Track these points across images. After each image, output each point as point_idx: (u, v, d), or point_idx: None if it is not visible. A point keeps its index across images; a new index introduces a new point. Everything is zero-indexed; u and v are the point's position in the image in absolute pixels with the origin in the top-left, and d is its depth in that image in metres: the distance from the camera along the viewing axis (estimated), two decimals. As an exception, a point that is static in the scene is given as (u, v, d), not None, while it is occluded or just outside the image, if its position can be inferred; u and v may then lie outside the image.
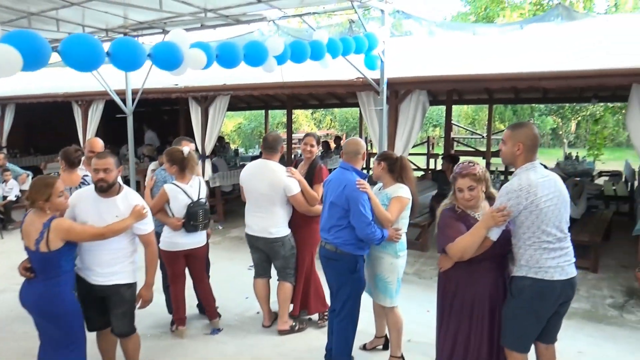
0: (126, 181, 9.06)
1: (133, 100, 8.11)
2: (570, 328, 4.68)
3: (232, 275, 6.03)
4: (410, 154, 14.37)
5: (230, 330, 4.65)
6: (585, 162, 11.42)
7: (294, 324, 4.53)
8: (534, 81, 5.45)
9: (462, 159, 12.99)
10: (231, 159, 11.37)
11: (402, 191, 3.68)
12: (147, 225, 3.35)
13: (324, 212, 3.78)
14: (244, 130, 24.32)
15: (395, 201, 3.64)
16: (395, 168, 3.76)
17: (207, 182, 8.77)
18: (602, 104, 14.73)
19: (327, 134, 21.40)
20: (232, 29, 7.79)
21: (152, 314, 4.71)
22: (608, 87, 8.61)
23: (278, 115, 23.15)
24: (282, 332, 4.47)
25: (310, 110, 23.46)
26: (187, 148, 4.22)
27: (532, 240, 2.86)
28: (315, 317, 4.76)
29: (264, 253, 4.47)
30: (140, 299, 3.46)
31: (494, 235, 2.88)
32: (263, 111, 16.46)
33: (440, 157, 12.37)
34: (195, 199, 4.21)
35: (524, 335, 3.00)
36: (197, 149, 8.38)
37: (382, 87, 6.23)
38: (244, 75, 8.04)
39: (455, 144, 14.23)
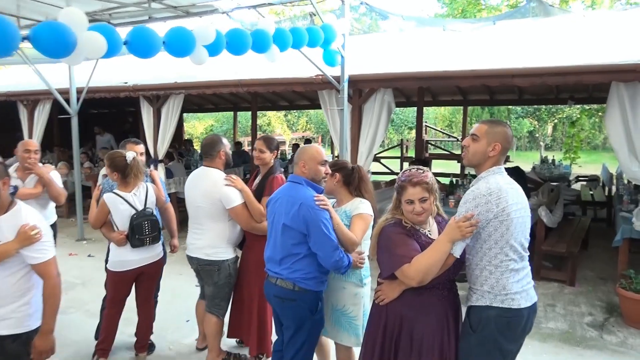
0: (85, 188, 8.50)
1: (78, 100, 7.51)
2: (546, 354, 4.20)
3: (177, 293, 5.41)
4: (383, 158, 14.06)
5: (160, 362, 4.05)
6: (561, 166, 11.08)
7: (225, 357, 3.90)
8: (506, 78, 4.97)
9: (434, 162, 12.49)
10: (196, 162, 10.70)
11: (364, 207, 3.08)
12: (41, 253, 2.56)
13: (270, 239, 3.01)
14: (215, 133, 23.59)
15: (357, 220, 3.03)
16: (353, 180, 3.17)
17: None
18: (578, 106, 14.46)
19: (303, 137, 20.75)
20: (185, 22, 7.17)
21: (76, 343, 4.19)
22: (586, 86, 8.23)
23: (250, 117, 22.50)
24: None
25: (284, 112, 22.84)
26: (131, 153, 3.61)
27: (499, 259, 2.37)
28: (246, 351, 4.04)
29: None
30: (35, 351, 2.63)
31: (458, 251, 2.36)
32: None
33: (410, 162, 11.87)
34: (139, 209, 3.62)
35: None
36: (148, 153, 7.77)
37: (343, 85, 5.70)
38: (199, 73, 7.48)
39: (429, 147, 13.80)
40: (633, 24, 6.57)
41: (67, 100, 7.50)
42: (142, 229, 3.58)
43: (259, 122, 22.08)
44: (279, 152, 3.88)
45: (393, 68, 5.79)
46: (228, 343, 4.15)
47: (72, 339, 4.29)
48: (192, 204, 3.69)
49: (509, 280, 2.37)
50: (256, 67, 6.80)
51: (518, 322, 2.40)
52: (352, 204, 3.11)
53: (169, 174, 8.24)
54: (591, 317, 4.92)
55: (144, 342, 3.98)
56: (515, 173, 6.59)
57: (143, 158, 3.99)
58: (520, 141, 23.99)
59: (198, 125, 22.71)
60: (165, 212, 4.09)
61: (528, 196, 6.40)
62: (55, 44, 2.63)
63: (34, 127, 9.36)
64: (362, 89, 6.07)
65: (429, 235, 2.53)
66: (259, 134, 18.09)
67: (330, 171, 3.09)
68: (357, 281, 3.10)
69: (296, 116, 24.25)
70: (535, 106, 19.52)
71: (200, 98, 12.53)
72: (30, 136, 9.36)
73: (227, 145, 3.70)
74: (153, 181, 4.03)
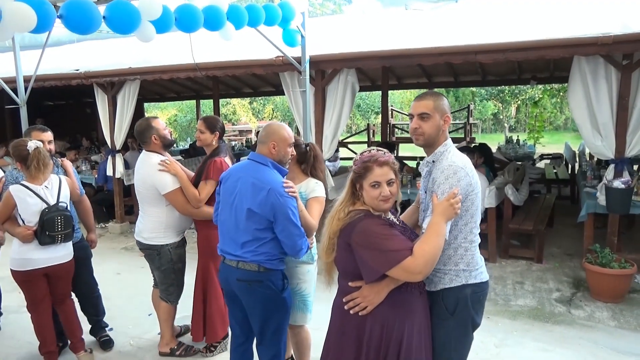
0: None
1: (26, 89, 7.06)
2: (517, 331, 4.18)
3: (139, 288, 5.17)
4: (350, 143, 13.94)
5: (119, 359, 3.84)
6: (526, 146, 11.21)
7: (175, 347, 3.82)
8: (469, 55, 4.87)
9: (401, 146, 12.45)
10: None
11: (320, 189, 2.99)
12: None
13: (228, 220, 2.80)
14: (180, 123, 22.99)
15: (315, 203, 2.93)
16: (307, 159, 3.05)
17: (121, 180, 7.84)
18: (540, 86, 14.67)
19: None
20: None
21: (29, 344, 3.92)
22: (547, 63, 8.26)
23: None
24: (161, 354, 3.84)
25: (249, 100, 22.42)
26: (34, 142, 3.32)
27: (473, 234, 2.29)
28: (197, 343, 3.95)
29: None
30: None
31: (447, 232, 2.17)
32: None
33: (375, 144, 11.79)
34: (51, 202, 3.34)
35: None
36: (104, 143, 7.43)
37: (304, 65, 5.50)
38: (155, 58, 7.15)
39: (396, 131, 13.74)
40: None
41: (15, 90, 7.05)
42: (55, 225, 3.31)
43: (223, 110, 21.64)
44: (222, 133, 3.69)
45: (355, 47, 5.61)
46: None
47: (26, 339, 4.03)
48: (135, 189, 3.66)
49: (477, 253, 2.33)
50: (216, 52, 6.53)
51: (485, 295, 2.38)
52: (307, 185, 2.99)
53: (126, 164, 7.90)
54: (559, 293, 4.94)
55: (76, 339, 3.70)
56: (482, 150, 6.58)
57: (51, 147, 3.70)
58: (485, 124, 24.27)
59: (161, 115, 22.07)
60: (80, 205, 3.89)
61: (494, 175, 6.44)
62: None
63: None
64: (324, 70, 5.89)
65: (401, 224, 2.33)
66: (226, 124, 17.74)
67: (295, 153, 2.94)
68: (309, 259, 3.02)
69: (261, 104, 23.82)
70: (499, 88, 19.73)
71: (161, 87, 12.11)
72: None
73: (159, 127, 3.57)
74: (65, 172, 3.79)
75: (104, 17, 3.00)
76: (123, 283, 5.58)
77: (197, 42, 6.40)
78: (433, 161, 2.34)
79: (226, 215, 2.81)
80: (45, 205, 3.30)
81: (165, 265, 3.62)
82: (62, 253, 3.45)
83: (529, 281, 5.24)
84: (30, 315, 3.58)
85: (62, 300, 3.64)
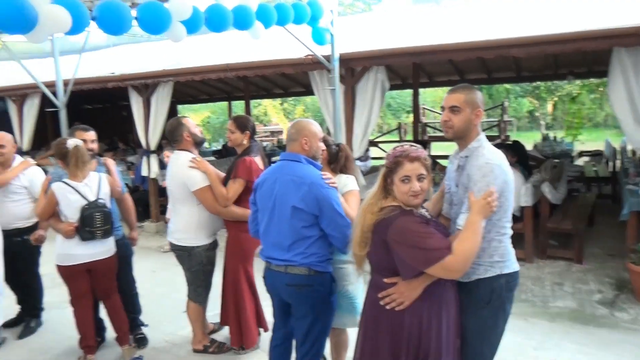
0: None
1: (65, 93, 7.28)
2: (556, 334, 4.03)
3: (173, 285, 5.24)
4: (382, 142, 13.83)
5: (155, 355, 3.91)
6: (563, 143, 10.87)
7: (208, 344, 3.86)
8: (502, 49, 4.74)
9: (434, 145, 12.29)
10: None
11: (352, 183, 2.99)
12: None
13: (270, 225, 2.73)
14: (213, 124, 23.31)
15: (350, 196, 2.92)
16: (338, 159, 3.06)
17: (156, 180, 7.99)
18: (578, 81, 14.19)
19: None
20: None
21: (69, 338, 4.01)
22: (585, 57, 7.96)
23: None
24: (195, 351, 3.88)
25: (279, 100, 22.54)
26: (73, 140, 3.42)
27: (506, 228, 2.31)
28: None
29: None
30: None
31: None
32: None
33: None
34: (91, 199, 3.42)
35: (495, 352, 2.41)
36: (139, 145, 7.61)
37: (333, 64, 5.47)
38: (186, 60, 7.28)
39: (429, 129, 13.55)
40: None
41: (55, 94, 7.29)
42: (94, 221, 3.39)
43: (255, 112, 21.81)
44: (253, 132, 3.69)
45: (384, 44, 5.55)
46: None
47: (66, 334, 4.14)
48: (167, 188, 3.70)
49: (509, 245, 2.34)
50: (247, 52, 6.61)
51: (517, 284, 2.40)
52: (338, 181, 2.95)
53: (162, 165, 8.04)
54: (601, 295, 4.74)
55: (122, 333, 3.80)
56: (515, 148, 6.41)
57: (94, 146, 3.78)
58: (520, 122, 23.65)
59: (194, 117, 22.44)
60: (122, 203, 3.96)
61: (530, 173, 6.25)
62: (13, 19, 2.42)
63: (24, 123, 9.15)
64: (354, 68, 5.85)
65: (434, 219, 2.32)
66: (257, 125, 17.88)
67: (325, 147, 2.94)
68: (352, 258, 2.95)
69: (292, 104, 23.91)
70: (534, 84, 19.16)
71: (193, 89, 12.32)
72: (20, 132, 9.17)
73: (190, 125, 3.61)
74: (108, 171, 3.86)
75: (135, 18, 3.06)
76: (158, 280, 5.68)
77: (228, 44, 6.50)
78: (466, 156, 2.32)
79: (267, 221, 2.75)
80: (85, 202, 3.39)
81: (196, 266, 3.63)
82: (103, 249, 3.53)
83: (568, 282, 5.06)
84: (72, 309, 3.68)
85: (108, 296, 3.73)
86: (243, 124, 3.62)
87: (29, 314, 4.42)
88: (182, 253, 3.62)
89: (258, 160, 3.57)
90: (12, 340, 4.24)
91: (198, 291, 3.73)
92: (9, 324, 4.38)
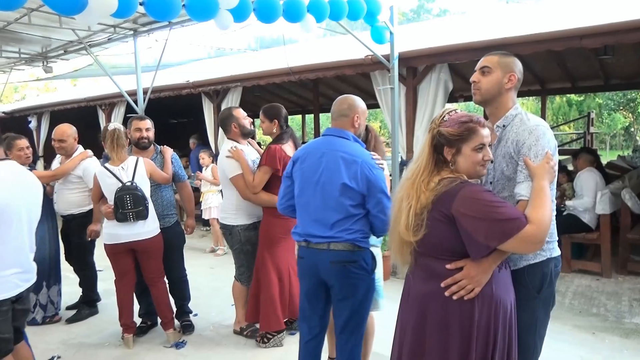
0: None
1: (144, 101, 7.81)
2: (627, 350, 3.64)
3: (227, 281, 5.21)
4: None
5: (199, 342, 3.98)
6: (659, 157, 9.85)
7: (244, 326, 3.98)
8: (573, 40, 4.39)
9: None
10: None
11: (385, 168, 2.87)
12: None
13: (313, 200, 2.62)
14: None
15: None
16: (369, 141, 2.97)
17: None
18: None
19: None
20: None
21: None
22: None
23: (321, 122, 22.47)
24: (234, 332, 4.06)
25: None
26: (113, 124, 3.69)
27: (554, 201, 2.02)
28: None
29: None
30: None
31: None
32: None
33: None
34: (125, 182, 3.58)
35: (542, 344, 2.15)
36: (209, 147, 7.96)
37: (393, 62, 5.39)
38: (255, 67, 7.53)
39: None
40: None
41: (136, 102, 7.84)
42: (125, 203, 3.52)
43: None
44: (283, 120, 3.74)
45: (446, 41, 5.37)
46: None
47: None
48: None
49: (554, 224, 2.03)
50: (310, 59, 6.72)
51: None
52: None
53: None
54: (688, 315, 4.18)
55: (166, 318, 3.92)
56: (593, 153, 5.92)
57: (149, 134, 3.96)
58: (614, 139, 21.88)
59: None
60: (181, 190, 4.21)
61: (608, 181, 5.71)
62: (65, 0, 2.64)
63: (110, 130, 9.90)
64: (415, 68, 5.71)
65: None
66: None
67: None
68: (377, 242, 2.84)
69: (368, 120, 23.85)
70: (629, 96, 17.61)
71: (266, 101, 12.67)
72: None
73: (239, 116, 3.81)
74: (163, 158, 4.04)
75: (183, 5, 3.20)
76: (214, 276, 5.82)
77: (293, 52, 6.67)
78: (504, 125, 2.10)
79: (309, 196, 2.64)
80: (120, 184, 3.55)
81: (236, 245, 3.83)
82: (143, 230, 3.66)
83: (652, 301, 4.53)
84: (115, 287, 3.87)
85: (154, 281, 3.86)
86: (270, 112, 3.73)
87: (83, 300, 4.64)
88: (225, 231, 3.88)
89: (287, 147, 3.64)
90: (62, 322, 4.49)
91: (240, 270, 3.92)
92: (70, 307, 4.68)
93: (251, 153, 3.83)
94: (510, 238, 1.75)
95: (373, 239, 2.77)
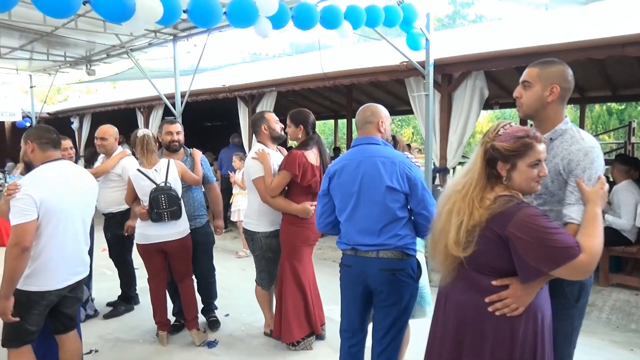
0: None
1: (182, 103, 8.00)
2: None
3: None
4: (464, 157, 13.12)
5: (230, 342, 4.06)
6: None
7: (267, 333, 4.10)
8: (615, 48, 4.29)
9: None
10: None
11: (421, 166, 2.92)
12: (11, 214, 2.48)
13: (357, 210, 2.62)
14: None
15: None
16: (395, 148, 2.97)
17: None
18: None
19: (408, 145, 20.23)
20: None
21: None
22: None
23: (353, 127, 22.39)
24: (265, 334, 4.12)
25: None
26: (142, 130, 3.80)
27: None
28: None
29: None
30: None
31: None
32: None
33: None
34: (159, 183, 3.69)
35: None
36: (243, 150, 8.09)
37: (428, 69, 5.37)
38: (289, 72, 7.62)
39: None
40: None
41: (174, 105, 8.05)
42: (160, 203, 3.63)
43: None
44: (310, 126, 3.73)
45: (482, 48, 5.32)
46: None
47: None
48: None
49: None
50: (345, 64, 6.76)
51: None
52: None
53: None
54: None
55: (190, 317, 3.99)
56: (623, 162, 5.73)
57: (180, 137, 4.07)
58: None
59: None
60: (210, 192, 4.30)
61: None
62: (114, 7, 2.76)
63: (150, 129, 10.18)
64: (450, 74, 5.67)
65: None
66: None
67: None
68: (421, 247, 2.85)
69: (399, 125, 23.79)
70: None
71: (300, 106, 12.80)
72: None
73: (270, 120, 3.81)
74: (193, 161, 4.14)
75: (224, 13, 3.29)
76: (245, 277, 5.88)
77: (328, 57, 6.72)
78: (551, 139, 2.06)
79: (352, 207, 2.65)
80: (154, 186, 3.66)
81: (257, 251, 3.83)
82: (173, 231, 3.76)
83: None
84: (148, 285, 3.99)
85: (182, 279, 3.96)
86: (298, 118, 3.72)
87: (122, 297, 4.79)
88: (247, 236, 3.88)
89: (309, 153, 3.60)
90: (100, 317, 4.63)
91: (261, 275, 3.92)
92: (110, 304, 4.82)
93: (278, 159, 3.77)
94: (562, 266, 1.74)
95: (418, 244, 2.78)
